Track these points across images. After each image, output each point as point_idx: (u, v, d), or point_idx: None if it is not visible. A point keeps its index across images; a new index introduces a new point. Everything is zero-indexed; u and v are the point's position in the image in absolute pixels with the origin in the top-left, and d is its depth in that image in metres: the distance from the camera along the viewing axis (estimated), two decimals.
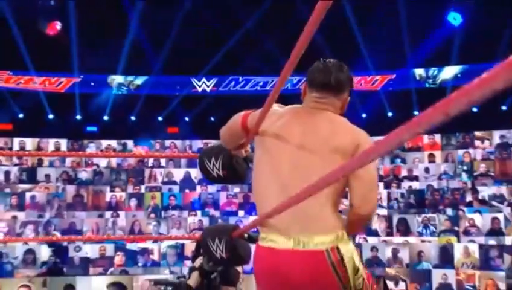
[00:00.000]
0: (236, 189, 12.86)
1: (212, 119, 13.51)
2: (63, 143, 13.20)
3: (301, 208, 2.29)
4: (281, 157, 2.64)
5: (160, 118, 13.88)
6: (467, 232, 11.35)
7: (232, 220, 12.27)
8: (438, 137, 12.85)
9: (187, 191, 12.96)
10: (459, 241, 11.21)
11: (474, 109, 10.91)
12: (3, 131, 13.06)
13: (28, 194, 12.27)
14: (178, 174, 13.23)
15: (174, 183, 13.13)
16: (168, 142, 13.53)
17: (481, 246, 10.76)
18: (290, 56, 1.87)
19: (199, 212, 12.64)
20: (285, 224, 2.56)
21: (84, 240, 11.54)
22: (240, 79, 13.83)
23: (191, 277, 3.75)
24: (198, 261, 3.75)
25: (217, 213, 12.60)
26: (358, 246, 11.37)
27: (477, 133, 12.58)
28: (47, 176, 12.72)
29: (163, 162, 13.40)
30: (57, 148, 13.07)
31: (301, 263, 2.53)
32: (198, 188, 13.03)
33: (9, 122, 13.21)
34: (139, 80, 13.95)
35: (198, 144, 13.32)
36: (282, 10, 12.56)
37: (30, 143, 13.00)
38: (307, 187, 1.80)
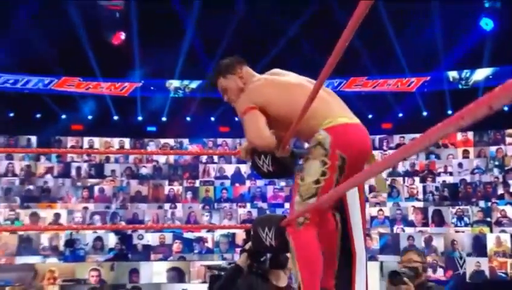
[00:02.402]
0: (283, 183, 12.85)
1: None
2: (127, 142, 13.39)
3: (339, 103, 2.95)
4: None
5: (212, 119, 13.92)
6: (498, 223, 11.14)
7: (279, 212, 12.28)
8: (470, 134, 12.64)
9: (237, 185, 13.01)
10: (491, 231, 11.01)
11: (505, 108, 10.69)
12: (75, 131, 13.31)
13: (96, 188, 12.51)
14: (229, 169, 13.29)
15: (226, 177, 13.18)
16: (220, 141, 13.59)
17: None
18: (331, 55, 1.82)
19: (248, 205, 12.67)
20: (338, 111, 2.93)
21: (146, 228, 11.69)
22: None
23: (240, 258, 3.75)
24: (248, 245, 3.75)
25: (264, 205, 12.62)
26: (396, 236, 11.28)
27: (509, 131, 12.32)
28: (113, 171, 12.93)
29: (215, 158, 13.48)
30: (121, 147, 13.27)
31: (365, 131, 2.93)
32: (248, 182, 13.06)
33: (80, 123, 13.45)
34: (194, 84, 14.03)
35: (244, 144, 13.32)
36: (321, 19, 12.50)
37: (98, 142, 13.23)
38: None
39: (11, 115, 13.27)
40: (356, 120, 2.96)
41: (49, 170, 12.70)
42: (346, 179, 2.75)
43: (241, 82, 3.21)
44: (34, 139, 12.94)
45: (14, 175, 12.45)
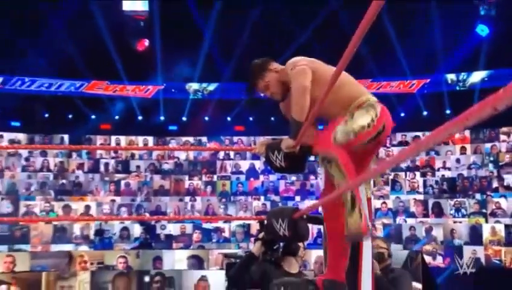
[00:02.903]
0: (294, 177, 12.87)
1: (273, 119, 13.55)
2: (150, 140, 13.48)
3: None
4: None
5: (229, 119, 13.98)
6: (493, 214, 11.11)
7: (290, 204, 12.33)
8: (467, 132, 12.62)
9: (252, 179, 13.05)
10: (486, 221, 10.99)
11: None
12: (104, 130, 13.43)
13: (122, 182, 12.59)
14: (244, 165, 13.34)
15: (241, 173, 13.23)
16: (235, 139, 13.64)
17: (506, 226, 10.51)
18: (344, 53, 1.78)
19: (262, 197, 12.70)
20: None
21: (169, 219, 11.76)
22: None
23: (254, 246, 3.75)
24: (261, 234, 3.76)
25: (277, 198, 12.65)
26: (399, 227, 11.30)
27: (503, 129, 12.30)
28: (138, 167, 13.02)
29: (232, 155, 13.53)
30: (145, 144, 13.37)
31: None
32: (261, 177, 13.11)
33: (108, 123, 13.56)
34: (212, 87, 14.09)
35: (260, 139, 13.38)
36: (332, 24, 12.53)
37: (124, 140, 13.33)
38: None
39: (46, 115, 13.43)
40: None
41: (80, 166, 12.82)
42: (374, 146, 2.95)
43: (278, 75, 3.22)
44: (66, 137, 13.08)
45: (49, 170, 12.59)
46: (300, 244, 3.92)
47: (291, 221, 3.08)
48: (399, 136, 13.23)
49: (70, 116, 13.52)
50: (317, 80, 2.96)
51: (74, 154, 12.97)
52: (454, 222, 11.19)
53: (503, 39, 12.11)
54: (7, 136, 12.81)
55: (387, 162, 1.99)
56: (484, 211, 11.19)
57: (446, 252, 10.66)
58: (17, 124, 13.18)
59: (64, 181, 12.42)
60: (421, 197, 12.11)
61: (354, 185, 2.68)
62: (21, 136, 12.87)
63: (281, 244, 3.86)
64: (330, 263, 3.07)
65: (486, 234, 10.50)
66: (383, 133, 2.90)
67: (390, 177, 12.59)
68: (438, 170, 12.56)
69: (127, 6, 13.56)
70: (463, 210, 11.32)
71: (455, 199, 11.57)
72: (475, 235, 10.54)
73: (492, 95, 0.95)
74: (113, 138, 13.30)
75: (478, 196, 11.68)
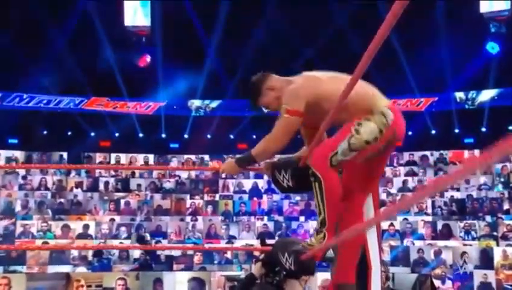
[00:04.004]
0: (298, 197, 12.79)
1: None
2: (151, 158, 13.44)
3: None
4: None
5: (231, 136, 13.95)
6: (505, 237, 11.01)
7: (294, 225, 12.25)
8: (477, 152, 12.55)
9: (255, 199, 12.97)
10: (497, 245, 10.87)
11: (511, 127, 10.62)
12: (103, 147, 13.41)
13: (122, 201, 12.52)
14: (247, 184, 13.26)
15: (244, 192, 13.15)
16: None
17: None
18: (364, 56, 1.75)
19: (265, 218, 12.62)
20: (381, 96, 3.04)
21: (168, 248, 11.63)
22: None
23: (255, 267, 3.69)
24: (262, 255, 3.70)
25: (280, 218, 12.56)
26: (406, 249, 11.18)
27: None
28: (138, 185, 12.96)
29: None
30: (146, 162, 13.33)
31: None
32: (265, 197, 13.03)
33: (108, 140, 13.54)
34: (214, 104, 14.09)
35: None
36: (337, 43, 12.54)
37: (124, 158, 13.28)
38: None
39: (45, 132, 13.41)
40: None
41: (79, 184, 12.77)
42: (386, 152, 3.03)
43: (275, 92, 3.19)
44: (65, 155, 13.05)
45: (47, 189, 12.54)
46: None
47: (297, 256, 3.04)
48: (406, 156, 13.17)
49: (69, 133, 13.51)
50: (321, 97, 2.98)
51: (73, 173, 12.93)
52: (464, 245, 11.07)
53: None
54: (4, 153, 12.78)
55: (397, 206, 1.94)
56: (495, 233, 11.09)
57: (455, 276, 10.54)
58: (15, 141, 13.16)
59: (62, 200, 12.36)
60: (429, 218, 12.01)
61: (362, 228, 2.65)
62: (18, 154, 12.84)
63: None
64: (340, 264, 3.10)
65: (497, 257, 10.38)
66: (394, 140, 2.97)
67: (398, 197, 12.50)
68: (447, 190, 12.46)
69: (128, 21, 13.62)
70: (473, 233, 11.21)
71: (465, 221, 11.47)
72: (486, 259, 10.42)
73: None
74: (113, 155, 13.26)
75: (488, 218, 11.58)
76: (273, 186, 3.44)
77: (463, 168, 1.10)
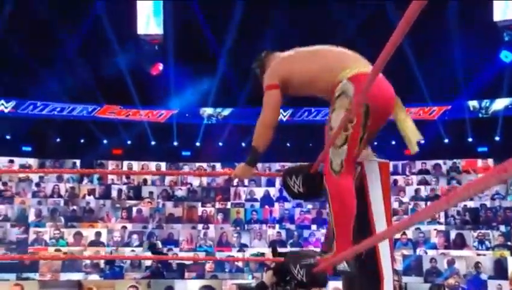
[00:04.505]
0: (309, 205, 12.77)
1: (288, 145, 13.53)
2: (163, 165, 13.49)
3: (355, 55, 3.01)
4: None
5: (243, 144, 13.95)
6: None
7: (306, 233, 12.24)
8: (490, 161, 12.48)
9: (267, 207, 12.97)
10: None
11: None
12: (116, 155, 13.48)
13: (134, 209, 12.56)
14: (259, 192, 13.26)
15: (256, 200, 13.15)
16: None
17: None
18: (380, 56, 1.67)
19: (277, 226, 12.61)
20: (355, 62, 2.95)
21: (178, 259, 11.64)
22: (312, 110, 13.81)
23: (266, 275, 3.70)
24: (273, 263, 3.71)
25: (292, 226, 12.55)
26: (419, 258, 11.13)
27: None
28: (150, 193, 13.00)
29: (246, 181, 13.46)
30: (158, 170, 13.37)
31: (386, 80, 2.96)
32: (276, 205, 13.02)
33: (120, 148, 13.61)
34: (226, 111, 14.12)
35: (276, 166, 13.35)
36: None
37: (136, 165, 13.35)
38: None
39: (58, 140, 13.51)
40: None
41: (91, 192, 12.84)
42: (373, 124, 2.83)
43: (264, 68, 3.29)
44: (78, 162, 13.13)
45: (60, 196, 12.63)
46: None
47: (309, 267, 3.02)
48: (419, 164, 13.12)
49: (82, 140, 13.60)
50: (291, 75, 3.07)
51: (85, 180, 13.01)
52: (478, 255, 11.00)
53: None
54: (18, 161, 12.88)
55: (411, 219, 1.94)
56: (509, 243, 11.01)
57: (469, 286, 10.47)
58: (29, 148, 13.27)
59: (75, 207, 12.44)
60: (442, 227, 11.95)
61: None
62: (32, 161, 12.95)
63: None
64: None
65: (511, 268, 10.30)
66: (371, 109, 2.79)
67: (410, 206, 12.45)
68: None
69: (141, 29, 13.72)
70: (487, 242, 11.14)
71: (478, 231, 11.40)
72: (500, 269, 10.35)
73: None
74: (125, 163, 13.32)
75: (502, 227, 11.49)
76: (284, 193, 3.45)
77: (480, 181, 1.09)
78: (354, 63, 2.93)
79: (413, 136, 3.02)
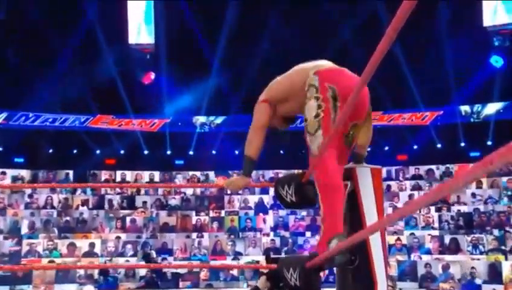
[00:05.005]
0: (304, 213, 12.78)
1: (282, 152, 13.56)
2: (156, 175, 13.47)
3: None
4: None
5: (236, 152, 13.97)
6: None
7: (300, 240, 12.24)
8: None
9: (261, 214, 12.97)
10: (506, 259, 10.82)
11: None
12: (109, 165, 13.46)
13: (128, 218, 12.52)
14: (253, 200, 13.26)
15: (250, 208, 13.14)
16: None
17: None
18: (371, 58, 1.59)
19: (271, 233, 12.61)
20: (323, 62, 3.09)
21: (173, 267, 11.65)
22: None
23: (259, 280, 3.72)
24: (267, 270, 3.72)
25: (287, 234, 12.55)
26: (414, 264, 11.16)
27: None
28: (144, 202, 12.96)
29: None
30: (151, 179, 13.36)
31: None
32: (270, 212, 13.02)
33: (113, 157, 13.60)
34: (219, 119, 14.14)
35: (269, 173, 13.37)
36: (343, 55, 12.59)
37: (130, 175, 13.33)
38: None
39: (50, 151, 13.49)
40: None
41: (85, 202, 12.81)
42: (343, 106, 2.86)
43: None
44: (71, 173, 13.11)
45: (53, 207, 12.58)
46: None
47: (303, 271, 2.99)
48: (412, 170, 13.17)
49: (75, 151, 13.58)
50: (286, 98, 3.15)
51: (79, 191, 12.97)
52: (472, 259, 11.03)
53: None
54: (10, 172, 12.84)
55: (402, 210, 1.95)
56: (503, 247, 11.04)
57: None
58: (21, 160, 13.24)
59: (68, 218, 12.39)
60: (436, 232, 11.97)
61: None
62: (24, 173, 12.91)
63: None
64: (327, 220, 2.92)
65: (506, 272, 10.34)
66: (338, 91, 2.88)
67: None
68: (453, 204, 12.44)
69: (133, 39, 13.75)
70: (481, 247, 11.17)
71: (472, 235, 11.43)
72: (494, 273, 10.38)
73: None
74: (119, 172, 13.30)
75: (496, 231, 11.53)
76: (278, 201, 3.44)
77: (466, 173, 1.11)
78: (321, 64, 3.09)
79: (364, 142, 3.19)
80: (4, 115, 13.16)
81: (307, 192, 3.15)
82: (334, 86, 2.89)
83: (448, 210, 12.34)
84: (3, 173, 12.76)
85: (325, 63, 3.11)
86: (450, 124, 13.12)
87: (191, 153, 13.96)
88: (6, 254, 11.20)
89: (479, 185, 12.49)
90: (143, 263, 11.29)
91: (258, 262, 11.42)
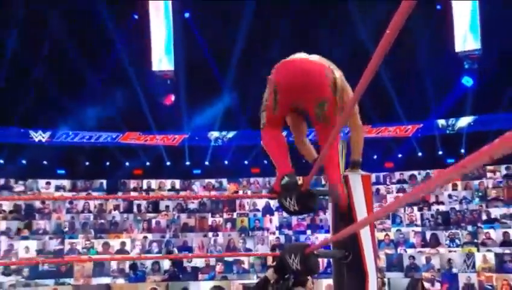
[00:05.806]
0: (304, 214, 12.79)
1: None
2: (177, 182, 13.53)
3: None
4: None
5: (246, 162, 14.03)
6: (484, 244, 10.97)
7: (302, 238, 12.26)
8: None
9: (268, 216, 13.00)
10: (478, 251, 10.84)
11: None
12: (136, 175, 13.54)
13: (153, 221, 12.59)
14: (260, 203, 13.29)
15: (258, 210, 13.17)
16: (252, 180, 13.64)
17: (496, 255, 10.37)
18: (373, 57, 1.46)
19: (277, 232, 12.63)
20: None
21: (193, 257, 11.68)
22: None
23: (268, 272, 3.71)
24: (274, 263, 3.75)
25: (290, 232, 12.57)
26: (400, 256, 11.17)
27: (489, 167, 12.21)
28: (167, 207, 13.02)
29: (249, 193, 13.48)
30: (173, 187, 13.42)
31: (301, 65, 3.19)
32: (276, 214, 13.05)
33: (140, 168, 13.68)
34: (231, 134, 14.20)
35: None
36: (350, 69, 12.68)
37: (154, 183, 13.40)
38: None
39: (87, 163, 13.60)
40: (301, 56, 3.22)
41: (117, 207, 12.87)
42: (282, 98, 3.13)
43: None
44: (105, 182, 13.20)
45: (89, 212, 12.67)
46: (309, 276, 3.88)
47: (303, 256, 3.03)
48: (397, 175, 13.21)
49: (107, 163, 13.68)
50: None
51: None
52: (450, 251, 11.04)
53: (486, 88, 12.24)
54: (54, 182, 12.97)
55: (394, 203, 2.01)
56: (476, 241, 11.05)
57: (443, 279, 10.51)
58: (62, 171, 13.35)
59: (103, 221, 12.47)
60: (419, 229, 11.99)
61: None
62: (66, 182, 13.03)
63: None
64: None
65: (478, 262, 10.36)
66: (278, 86, 3.12)
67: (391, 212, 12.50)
68: (433, 204, 12.46)
69: (155, 66, 13.91)
70: (457, 240, 11.19)
71: (449, 231, 11.45)
72: (469, 263, 10.39)
73: (489, 144, 0.89)
74: (145, 181, 13.38)
75: (470, 227, 11.54)
76: (284, 212, 3.40)
77: (444, 173, 1.17)
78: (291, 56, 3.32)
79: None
80: (48, 133, 13.31)
81: (308, 201, 3.15)
82: (275, 80, 3.14)
83: (429, 209, 12.36)
84: (48, 183, 12.87)
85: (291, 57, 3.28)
86: (429, 136, 13.16)
87: (206, 163, 14.01)
88: (52, 252, 11.29)
89: (455, 188, 12.51)
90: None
91: (265, 258, 11.44)
